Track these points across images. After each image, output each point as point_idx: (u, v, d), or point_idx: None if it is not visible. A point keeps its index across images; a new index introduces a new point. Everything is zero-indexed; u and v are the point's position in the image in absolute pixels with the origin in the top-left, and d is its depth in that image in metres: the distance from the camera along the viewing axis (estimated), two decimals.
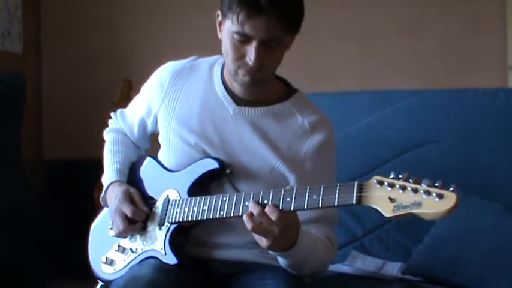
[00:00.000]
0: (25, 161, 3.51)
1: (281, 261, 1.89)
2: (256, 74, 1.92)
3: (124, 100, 3.56)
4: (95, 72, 4.18)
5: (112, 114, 2.33)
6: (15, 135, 3.42)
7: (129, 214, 1.99)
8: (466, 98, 2.84)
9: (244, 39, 1.86)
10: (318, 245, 1.92)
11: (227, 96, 2.04)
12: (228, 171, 1.98)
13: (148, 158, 2.15)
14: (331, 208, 1.92)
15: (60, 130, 4.23)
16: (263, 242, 1.77)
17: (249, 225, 1.75)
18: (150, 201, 2.06)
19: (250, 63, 1.88)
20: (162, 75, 2.14)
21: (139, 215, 2.00)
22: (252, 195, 1.80)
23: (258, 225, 1.75)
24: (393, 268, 2.58)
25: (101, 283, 2.14)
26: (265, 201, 1.77)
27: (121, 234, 2.04)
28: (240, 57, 1.90)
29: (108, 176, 2.15)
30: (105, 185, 2.13)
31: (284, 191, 1.76)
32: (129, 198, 2.03)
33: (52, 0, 4.29)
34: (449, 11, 3.71)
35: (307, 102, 2.08)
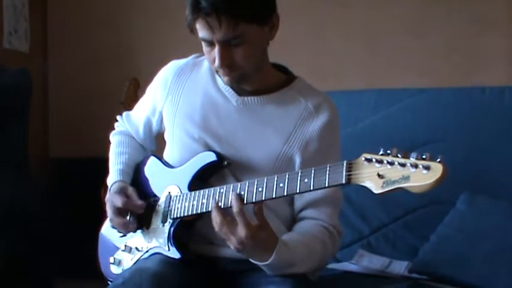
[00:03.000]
0: (31, 159, 3.52)
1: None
2: (232, 74, 1.94)
3: (131, 99, 3.56)
4: (102, 70, 4.19)
5: (118, 117, 2.36)
6: (21, 133, 3.43)
7: (119, 204, 2.02)
8: (472, 96, 2.84)
9: (207, 44, 1.90)
10: (310, 254, 1.92)
11: (229, 88, 2.05)
12: (225, 163, 1.99)
13: (152, 157, 2.18)
14: (332, 189, 1.91)
15: (66, 128, 4.24)
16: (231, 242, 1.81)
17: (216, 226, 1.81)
18: (153, 199, 2.08)
19: (217, 65, 1.91)
20: (165, 73, 2.17)
21: (130, 205, 2.02)
22: (247, 184, 1.81)
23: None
24: (400, 266, 2.58)
25: (111, 284, 2.15)
26: (260, 189, 1.78)
27: (112, 224, 2.06)
28: (212, 60, 1.93)
29: (111, 177, 2.17)
30: (109, 186, 2.16)
31: (277, 177, 1.77)
32: (123, 192, 2.06)
33: None
34: (455, 8, 3.70)
35: (308, 86, 2.09)
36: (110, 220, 2.07)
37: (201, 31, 1.88)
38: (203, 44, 1.92)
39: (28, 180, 3.42)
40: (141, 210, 2.03)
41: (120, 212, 2.04)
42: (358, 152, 2.76)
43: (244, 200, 1.81)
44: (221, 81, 2.07)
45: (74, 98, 4.24)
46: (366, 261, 2.64)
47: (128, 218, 2.05)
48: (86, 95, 4.21)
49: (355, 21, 3.82)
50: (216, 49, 1.88)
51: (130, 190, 2.07)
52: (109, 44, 4.21)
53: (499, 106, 2.77)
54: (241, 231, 1.77)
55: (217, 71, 1.99)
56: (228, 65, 1.90)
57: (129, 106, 3.59)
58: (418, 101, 2.91)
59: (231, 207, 1.82)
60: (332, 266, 2.61)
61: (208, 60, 1.96)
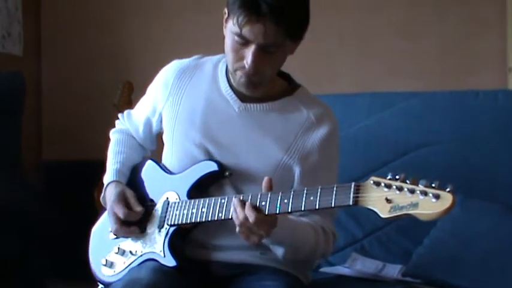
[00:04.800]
0: (24, 162, 3.52)
1: (275, 249, 1.94)
2: (252, 77, 1.94)
3: (125, 102, 3.56)
4: (95, 73, 4.19)
5: (119, 115, 2.35)
6: (14, 135, 3.43)
7: (121, 216, 2.02)
8: (466, 100, 2.84)
9: (243, 41, 1.89)
10: (303, 222, 1.96)
11: (232, 93, 2.05)
12: (226, 173, 1.99)
13: (149, 161, 2.17)
14: None
15: (59, 131, 4.24)
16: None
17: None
18: (149, 203, 2.07)
19: (246, 66, 1.91)
20: (166, 74, 2.15)
21: (132, 217, 2.03)
22: (250, 197, 1.81)
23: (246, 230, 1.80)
24: (393, 270, 2.58)
25: (101, 285, 2.15)
26: (263, 203, 1.78)
27: (117, 234, 2.07)
28: (238, 59, 1.92)
29: (107, 176, 2.16)
30: (104, 185, 2.15)
31: (281, 193, 1.77)
32: (123, 199, 2.05)
33: (52, 1, 4.29)
34: (448, 12, 3.71)
35: (310, 96, 2.11)
36: (115, 231, 2.06)
37: (248, 31, 1.86)
38: (236, 39, 1.89)
39: (21, 182, 3.41)
40: (140, 216, 2.04)
41: (123, 222, 2.04)
42: (351, 156, 2.78)
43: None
44: (224, 86, 2.06)
45: (68, 101, 4.24)
46: (359, 265, 2.64)
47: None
48: (80, 98, 4.21)
49: (348, 24, 3.83)
50: (252, 50, 1.88)
51: (129, 194, 2.07)
52: (102, 47, 4.21)
53: (492, 110, 2.77)
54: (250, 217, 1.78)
55: (235, 70, 1.96)
56: (257, 68, 1.91)
57: (123, 109, 3.58)
58: (411, 105, 2.91)
59: (232, 219, 1.82)
60: (325, 269, 2.61)
61: (232, 56, 1.94)
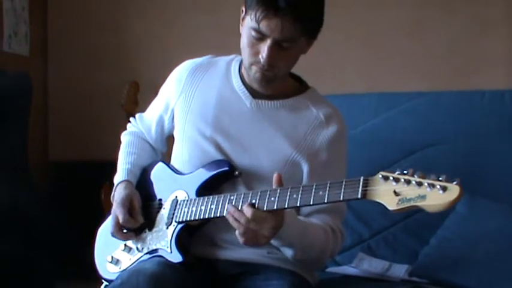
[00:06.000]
0: (31, 162, 3.52)
1: (285, 251, 1.95)
2: (267, 72, 1.97)
3: (131, 102, 3.56)
4: (102, 74, 4.18)
5: (131, 118, 2.38)
6: (21, 136, 3.43)
7: (120, 220, 2.05)
8: (473, 100, 2.84)
9: (259, 36, 1.92)
10: (312, 223, 1.97)
11: (244, 89, 2.08)
12: (236, 173, 2.01)
13: (160, 163, 2.19)
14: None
15: (66, 132, 4.24)
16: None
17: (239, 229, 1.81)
18: (157, 202, 2.08)
19: (261, 60, 1.94)
20: (180, 71, 2.19)
21: (130, 224, 2.05)
22: (259, 194, 1.82)
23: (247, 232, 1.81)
24: (400, 270, 2.58)
25: (105, 283, 2.15)
26: (272, 199, 1.80)
27: (113, 236, 2.08)
28: (254, 53, 1.96)
29: (118, 176, 2.19)
30: (115, 184, 2.17)
31: (290, 189, 1.79)
32: (128, 204, 2.07)
33: (59, 1, 4.30)
34: (454, 11, 3.70)
35: (320, 97, 2.14)
36: (112, 232, 2.08)
37: (265, 26, 1.90)
38: (253, 34, 1.93)
39: (28, 183, 3.42)
40: (138, 225, 2.06)
41: (121, 226, 2.07)
42: (359, 156, 2.78)
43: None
44: (237, 82, 2.10)
45: (74, 101, 4.24)
46: (366, 265, 2.64)
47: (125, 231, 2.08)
48: (86, 98, 4.21)
49: (354, 24, 3.82)
50: (268, 45, 1.92)
51: (136, 201, 2.09)
52: (109, 48, 4.21)
53: (499, 110, 2.77)
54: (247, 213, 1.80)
55: (251, 64, 1.99)
56: (271, 63, 1.94)
57: (129, 109, 3.60)
58: (418, 105, 2.91)
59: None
60: (332, 269, 2.61)
61: (248, 51, 1.97)
